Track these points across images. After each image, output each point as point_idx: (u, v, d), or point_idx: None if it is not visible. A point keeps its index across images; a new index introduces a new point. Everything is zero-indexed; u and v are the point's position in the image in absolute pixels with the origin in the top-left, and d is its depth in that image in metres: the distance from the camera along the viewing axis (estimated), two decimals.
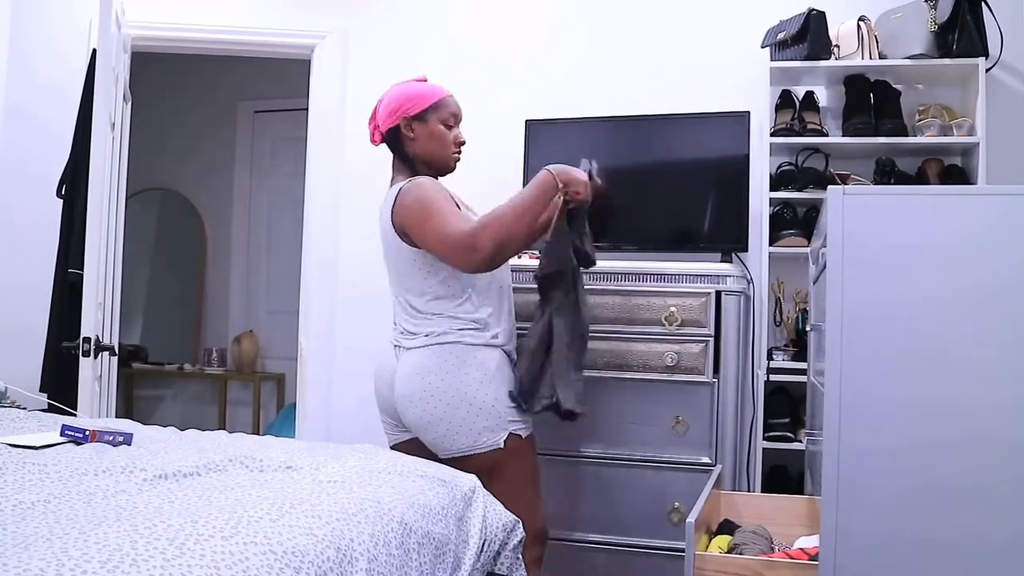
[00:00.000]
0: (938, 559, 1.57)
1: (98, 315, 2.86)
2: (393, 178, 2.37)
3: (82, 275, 2.85)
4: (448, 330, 2.18)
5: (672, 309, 2.58)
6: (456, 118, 2.34)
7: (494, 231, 2.06)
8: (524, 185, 3.22)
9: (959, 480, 1.57)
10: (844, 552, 1.61)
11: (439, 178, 2.34)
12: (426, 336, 2.20)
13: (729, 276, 2.68)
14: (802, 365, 2.94)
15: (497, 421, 2.15)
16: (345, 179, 3.65)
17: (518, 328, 2.36)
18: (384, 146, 2.42)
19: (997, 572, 1.54)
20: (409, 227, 2.17)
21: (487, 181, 3.48)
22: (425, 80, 2.39)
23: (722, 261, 2.90)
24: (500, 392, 2.18)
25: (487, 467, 2.08)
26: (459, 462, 2.08)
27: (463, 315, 2.20)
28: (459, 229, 2.07)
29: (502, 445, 2.14)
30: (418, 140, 2.29)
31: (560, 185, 2.17)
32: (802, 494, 2.58)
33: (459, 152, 2.35)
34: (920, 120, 3.03)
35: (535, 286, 2.33)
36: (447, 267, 2.17)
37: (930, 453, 1.59)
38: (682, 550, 2.60)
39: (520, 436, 2.19)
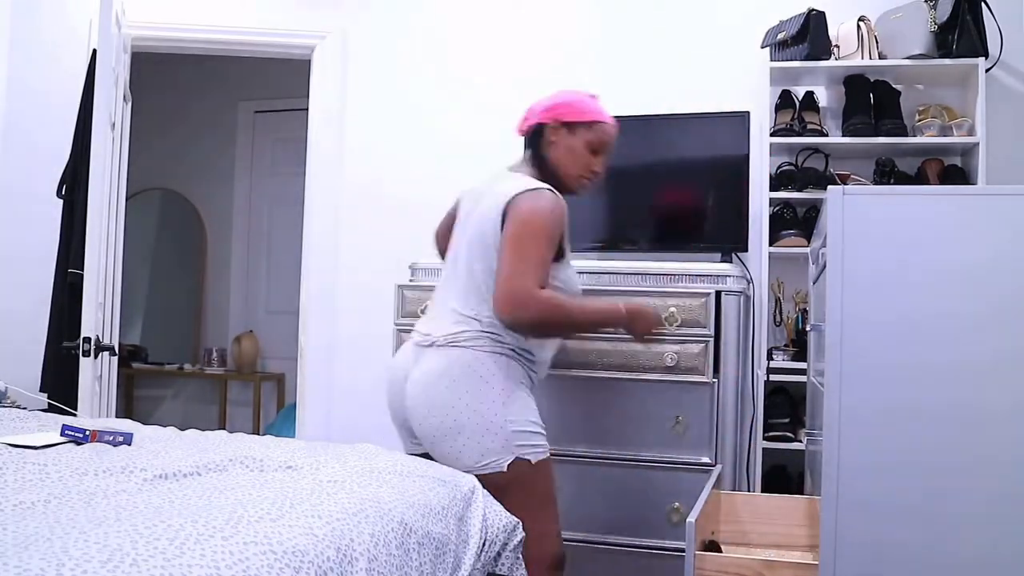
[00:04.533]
0: (939, 558, 1.57)
1: (98, 315, 2.86)
2: (516, 167, 2.24)
3: (82, 275, 2.85)
4: (479, 335, 2.05)
5: (672, 309, 2.58)
6: (605, 148, 2.21)
7: (548, 314, 2.02)
8: None
9: (960, 478, 1.57)
10: (844, 553, 1.61)
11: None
12: (452, 335, 2.06)
13: (729, 276, 2.68)
14: (802, 365, 2.94)
15: (504, 443, 1.99)
16: (345, 179, 3.66)
17: None
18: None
19: (996, 561, 1.55)
20: (506, 232, 2.03)
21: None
22: (596, 99, 2.25)
23: (722, 261, 2.90)
24: (513, 413, 2.02)
25: (492, 490, 1.91)
26: None
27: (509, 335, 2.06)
28: (527, 281, 1.97)
29: (504, 469, 1.99)
30: (557, 147, 2.18)
31: (625, 323, 2.24)
32: (802, 494, 2.58)
33: (590, 181, 2.22)
34: (920, 120, 3.03)
35: None
36: None
37: (931, 452, 1.59)
38: (682, 550, 2.60)
39: (529, 462, 2.01)
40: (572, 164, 2.18)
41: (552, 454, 2.44)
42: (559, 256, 2.10)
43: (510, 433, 2.00)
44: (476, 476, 1.92)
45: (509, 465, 1.99)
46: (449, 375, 2.03)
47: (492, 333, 2.05)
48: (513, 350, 2.06)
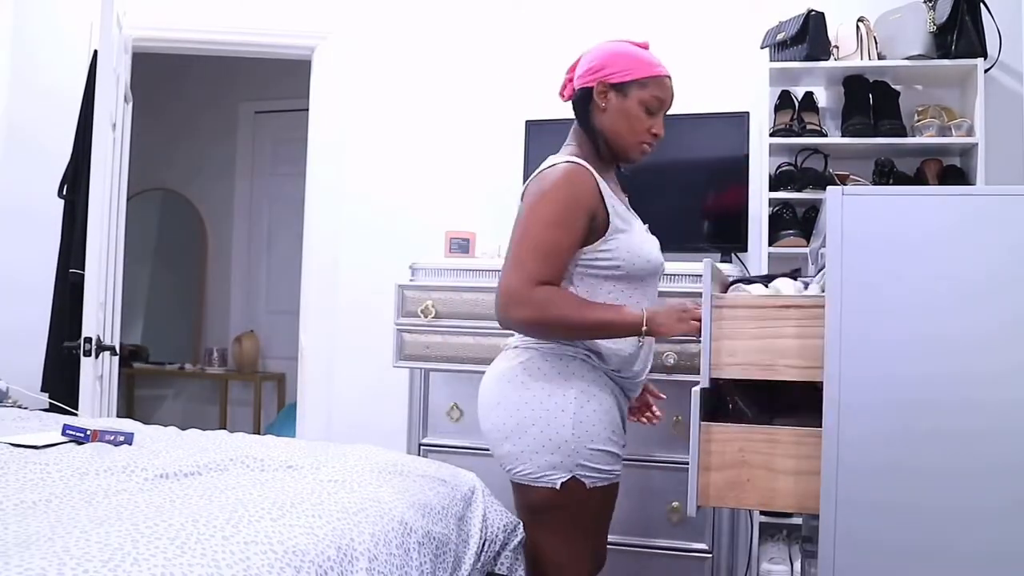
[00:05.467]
0: (936, 549, 1.58)
1: (99, 315, 2.87)
2: (563, 147, 1.95)
3: (83, 275, 2.85)
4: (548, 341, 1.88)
5: None
6: (662, 105, 1.89)
7: (544, 315, 1.77)
8: (524, 181, 3.22)
9: (961, 478, 1.57)
10: (843, 554, 1.62)
11: (618, 165, 2.00)
12: (523, 338, 1.92)
13: (729, 276, 2.68)
14: None
15: (566, 459, 1.81)
16: (345, 179, 3.66)
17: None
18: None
19: (1001, 559, 1.55)
20: (517, 222, 1.85)
21: (487, 181, 3.50)
22: (647, 47, 1.93)
23: (721, 261, 2.91)
24: (586, 428, 1.83)
25: (540, 505, 1.84)
26: (518, 489, 1.88)
27: None
28: (526, 274, 1.76)
29: (557, 487, 1.81)
30: (608, 113, 1.88)
31: (644, 331, 1.81)
32: None
33: (650, 145, 1.92)
34: (919, 121, 3.03)
35: None
36: (591, 276, 1.86)
37: (930, 451, 1.59)
38: (682, 550, 2.61)
39: (584, 485, 1.83)
40: (626, 129, 1.88)
41: None
42: (602, 231, 1.84)
43: (578, 451, 1.82)
44: (529, 487, 1.85)
45: (563, 484, 1.82)
46: (518, 375, 1.87)
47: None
48: (588, 351, 1.88)
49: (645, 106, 1.87)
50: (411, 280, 2.90)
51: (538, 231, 1.80)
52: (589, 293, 1.87)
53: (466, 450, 2.76)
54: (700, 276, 2.65)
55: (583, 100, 1.91)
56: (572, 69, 1.97)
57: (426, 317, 2.77)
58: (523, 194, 1.90)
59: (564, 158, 1.88)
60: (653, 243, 1.98)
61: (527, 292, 1.76)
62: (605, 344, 1.87)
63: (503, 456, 1.89)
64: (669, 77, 1.91)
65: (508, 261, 1.82)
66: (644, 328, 1.80)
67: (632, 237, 1.89)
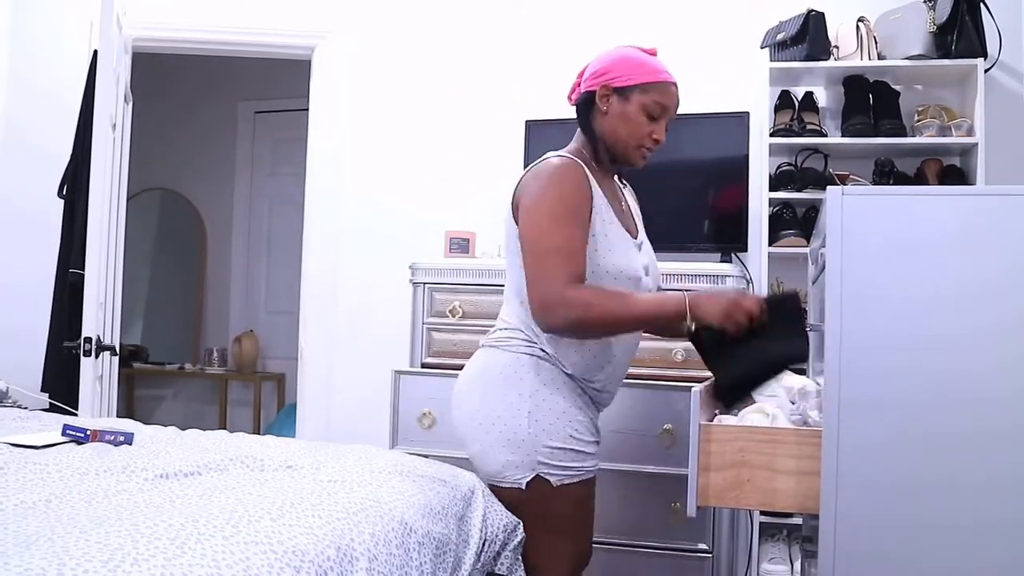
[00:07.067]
0: (936, 553, 1.58)
1: (99, 315, 2.86)
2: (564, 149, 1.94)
3: (83, 275, 2.85)
4: (512, 335, 1.89)
5: None
6: (665, 111, 1.87)
7: (588, 314, 1.74)
8: None
9: (958, 475, 1.57)
10: (843, 554, 1.62)
11: (621, 177, 2.05)
12: (492, 338, 1.94)
13: (729, 276, 2.68)
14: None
15: (525, 458, 1.81)
16: (345, 179, 3.66)
17: None
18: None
19: (1000, 568, 1.55)
20: (520, 222, 1.82)
21: (487, 181, 3.50)
22: (655, 53, 1.93)
23: (721, 261, 2.91)
24: (543, 426, 1.82)
25: (510, 505, 1.81)
26: (492, 490, 1.85)
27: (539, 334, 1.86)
28: (557, 277, 1.73)
29: (523, 487, 1.81)
30: (609, 116, 1.87)
31: (689, 317, 1.76)
32: None
33: (650, 150, 1.90)
34: (919, 121, 3.03)
35: None
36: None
37: (929, 450, 1.59)
38: (682, 550, 2.60)
39: (549, 483, 1.81)
40: (626, 133, 1.87)
41: None
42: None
43: (536, 448, 1.81)
44: (497, 486, 1.84)
45: (528, 483, 1.82)
46: (484, 375, 1.90)
47: (522, 332, 1.88)
48: (543, 351, 1.86)
49: (647, 111, 1.85)
50: (411, 280, 2.91)
51: (553, 231, 1.77)
52: None
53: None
54: (699, 276, 2.68)
55: (586, 104, 1.91)
56: (581, 74, 1.95)
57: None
58: (517, 188, 1.88)
59: (556, 154, 1.88)
60: (634, 258, 1.91)
61: (563, 295, 1.73)
62: (564, 348, 1.85)
63: (472, 456, 1.91)
64: (675, 84, 1.89)
65: (532, 268, 1.77)
66: (689, 315, 1.75)
67: (603, 243, 1.84)
